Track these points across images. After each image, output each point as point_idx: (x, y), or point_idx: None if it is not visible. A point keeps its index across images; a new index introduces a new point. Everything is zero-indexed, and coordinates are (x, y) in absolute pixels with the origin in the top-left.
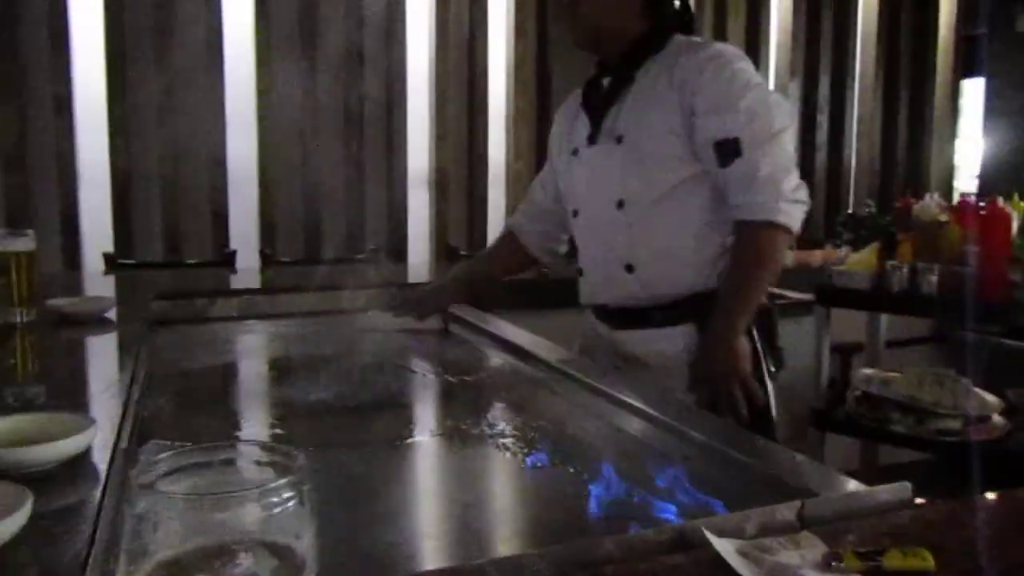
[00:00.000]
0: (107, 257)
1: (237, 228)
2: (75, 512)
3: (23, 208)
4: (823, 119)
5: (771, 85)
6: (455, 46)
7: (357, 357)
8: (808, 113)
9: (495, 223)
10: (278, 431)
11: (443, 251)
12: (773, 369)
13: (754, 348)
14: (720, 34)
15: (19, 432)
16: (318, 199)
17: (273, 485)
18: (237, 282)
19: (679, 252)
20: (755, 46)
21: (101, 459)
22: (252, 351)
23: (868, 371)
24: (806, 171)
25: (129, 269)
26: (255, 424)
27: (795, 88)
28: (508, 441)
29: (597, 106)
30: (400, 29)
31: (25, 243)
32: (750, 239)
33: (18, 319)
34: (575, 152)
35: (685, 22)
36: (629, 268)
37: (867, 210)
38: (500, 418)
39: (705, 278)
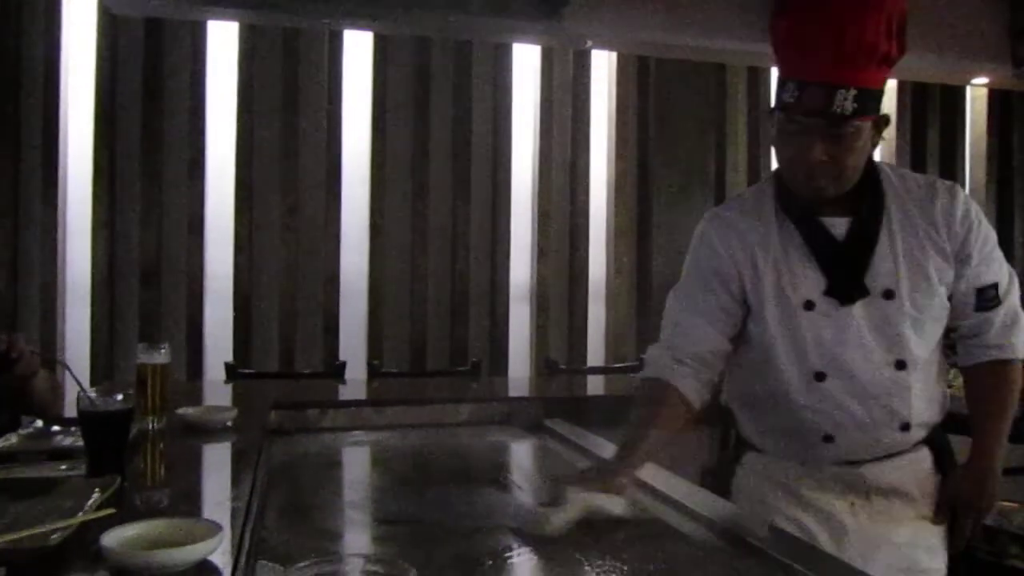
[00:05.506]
0: (228, 367)
1: (347, 340)
2: None
3: (155, 319)
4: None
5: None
6: (557, 167)
7: (457, 472)
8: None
9: (595, 338)
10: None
11: (543, 365)
12: None
13: None
14: (920, 143)
15: (150, 536)
16: (424, 313)
17: None
18: (346, 393)
19: (937, 396)
20: (951, 155)
21: (224, 563)
22: (358, 462)
23: None
24: None
25: (247, 378)
26: (360, 536)
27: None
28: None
29: (835, 254)
30: (505, 153)
31: (161, 356)
32: (1009, 376)
33: (150, 426)
34: (808, 306)
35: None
36: (905, 427)
37: None
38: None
39: (940, 408)
